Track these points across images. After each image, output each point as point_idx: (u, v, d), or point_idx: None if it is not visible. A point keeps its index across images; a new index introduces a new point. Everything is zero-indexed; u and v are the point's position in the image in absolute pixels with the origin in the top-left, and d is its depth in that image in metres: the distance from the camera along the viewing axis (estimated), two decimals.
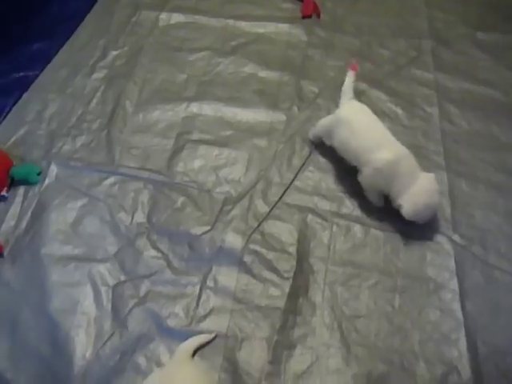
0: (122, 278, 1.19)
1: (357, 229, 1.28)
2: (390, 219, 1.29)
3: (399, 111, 1.52)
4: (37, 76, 1.69)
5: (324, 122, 1.38)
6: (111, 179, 1.37)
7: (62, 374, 1.04)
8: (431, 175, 1.23)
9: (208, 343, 1.07)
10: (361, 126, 1.27)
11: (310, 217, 1.29)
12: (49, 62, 1.73)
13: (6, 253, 1.23)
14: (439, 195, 1.24)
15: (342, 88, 1.35)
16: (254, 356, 1.07)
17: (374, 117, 1.31)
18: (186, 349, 1.01)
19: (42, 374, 1.04)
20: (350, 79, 1.34)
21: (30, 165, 1.40)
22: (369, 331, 1.11)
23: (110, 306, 1.14)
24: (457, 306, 1.16)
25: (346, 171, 1.37)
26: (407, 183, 1.20)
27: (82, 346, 1.07)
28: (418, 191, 1.20)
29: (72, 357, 1.06)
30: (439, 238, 1.25)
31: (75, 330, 1.10)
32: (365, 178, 1.27)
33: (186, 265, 1.21)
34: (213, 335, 1.07)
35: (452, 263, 1.22)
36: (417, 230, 1.26)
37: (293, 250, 1.22)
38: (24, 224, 1.29)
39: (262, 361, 1.05)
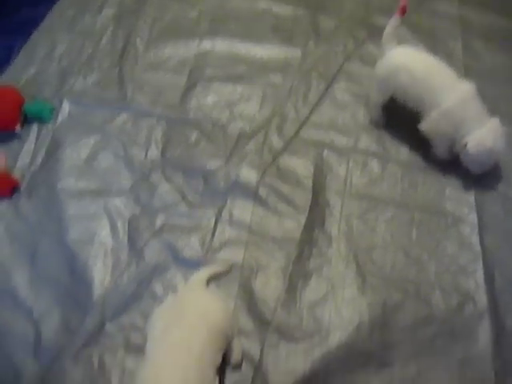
0: (138, 211, 1.19)
1: (374, 163, 1.25)
2: (409, 154, 1.26)
3: (421, 46, 1.45)
4: (45, 16, 1.66)
5: (380, 75, 1.25)
6: (124, 116, 1.35)
7: (82, 300, 1.06)
8: (497, 121, 1.15)
9: (223, 274, 1.08)
10: (422, 71, 1.17)
11: (326, 152, 1.27)
12: (56, 1, 1.69)
13: (22, 188, 1.24)
14: (504, 144, 1.16)
15: (385, 33, 1.22)
16: (269, 285, 1.07)
17: (432, 59, 1.20)
18: (200, 276, 1.02)
19: (63, 301, 1.07)
20: (394, 23, 1.21)
21: (43, 102, 1.38)
22: (385, 262, 1.11)
23: (126, 237, 1.15)
24: (475, 240, 1.14)
25: (363, 106, 1.33)
26: (475, 126, 1.13)
27: (101, 275, 1.09)
28: (486, 134, 1.13)
29: (91, 285, 1.08)
30: (459, 172, 1.23)
31: (93, 260, 1.11)
32: (432, 122, 1.18)
33: (200, 198, 1.20)
34: (228, 263, 1.08)
35: (472, 198, 1.20)
36: (436, 164, 1.24)
37: (308, 183, 1.21)
38: (39, 160, 1.29)
39: (277, 290, 1.06)
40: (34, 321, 1.05)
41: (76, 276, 1.09)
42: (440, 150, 1.22)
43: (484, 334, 1.02)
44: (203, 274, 1.03)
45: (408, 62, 1.19)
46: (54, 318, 1.04)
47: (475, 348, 1.00)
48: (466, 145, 1.14)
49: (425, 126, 1.20)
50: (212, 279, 1.05)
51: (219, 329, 0.88)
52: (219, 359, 0.88)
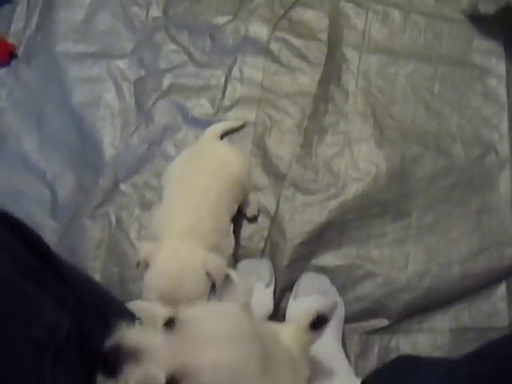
0: (143, 72, 1.12)
1: (395, 14, 1.14)
2: (434, 3, 1.15)
3: None
4: None
5: None
6: None
7: (94, 162, 1.05)
8: None
9: (236, 130, 1.04)
10: None
11: (342, 3, 1.15)
12: None
13: (20, 53, 1.17)
14: None
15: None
16: (283, 141, 1.04)
17: None
18: (213, 130, 0.98)
19: (75, 163, 1.05)
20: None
21: None
22: (404, 116, 1.06)
23: (133, 99, 1.10)
24: (502, 91, 1.07)
25: None
26: None
27: (110, 137, 1.06)
28: None
29: (101, 146, 1.05)
30: (488, 22, 1.12)
31: (101, 122, 1.08)
32: None
33: (208, 57, 1.13)
34: (241, 123, 1.04)
35: (501, 48, 1.11)
36: (464, 14, 1.13)
37: (323, 36, 1.12)
38: (34, 24, 1.19)
39: (292, 145, 1.03)
40: (49, 183, 1.04)
41: (85, 138, 1.07)
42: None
43: (504, 183, 1.00)
44: (216, 127, 1.00)
45: None
46: (68, 179, 1.04)
47: (495, 197, 0.99)
48: None
49: None
50: (225, 134, 1.02)
51: (236, 178, 0.87)
52: (234, 209, 0.88)
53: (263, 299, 0.87)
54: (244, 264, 0.92)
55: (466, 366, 0.45)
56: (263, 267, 0.90)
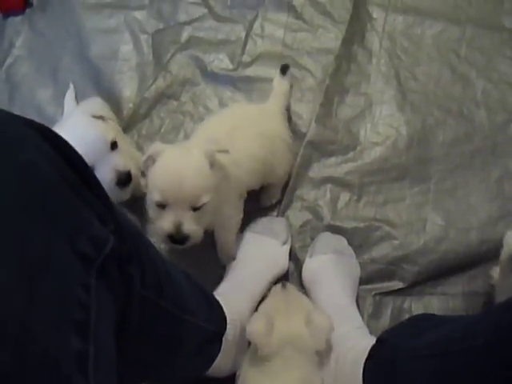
0: (161, 25, 1.09)
1: None
2: None
3: None
4: None
5: None
6: None
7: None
8: None
9: (257, 87, 1.02)
10: None
11: None
12: None
13: (34, 1, 1.14)
14: None
15: None
16: (304, 99, 1.01)
17: None
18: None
19: None
20: None
21: None
22: (428, 79, 1.03)
23: (150, 52, 1.07)
24: None
25: None
26: None
27: (128, 89, 1.04)
28: None
29: (119, 99, 1.03)
30: None
31: (118, 75, 1.06)
32: None
33: (229, 11, 1.09)
34: None
35: None
36: None
37: None
38: None
39: (312, 104, 1.01)
40: None
41: (102, 91, 1.05)
42: None
43: None
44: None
45: None
46: None
47: None
48: None
49: None
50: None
51: (280, 156, 0.88)
52: (255, 186, 0.87)
53: (279, 256, 0.87)
54: (260, 222, 0.91)
55: (491, 317, 0.45)
56: (279, 225, 0.90)
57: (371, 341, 0.67)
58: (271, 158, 0.84)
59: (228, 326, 0.72)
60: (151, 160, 0.71)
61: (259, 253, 0.87)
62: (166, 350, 0.57)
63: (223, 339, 0.71)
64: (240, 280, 0.83)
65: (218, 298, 0.74)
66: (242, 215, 0.86)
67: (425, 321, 0.62)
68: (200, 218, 0.71)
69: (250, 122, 0.84)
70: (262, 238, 0.88)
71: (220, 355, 0.71)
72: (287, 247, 0.88)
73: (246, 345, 0.78)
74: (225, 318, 0.73)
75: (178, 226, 0.68)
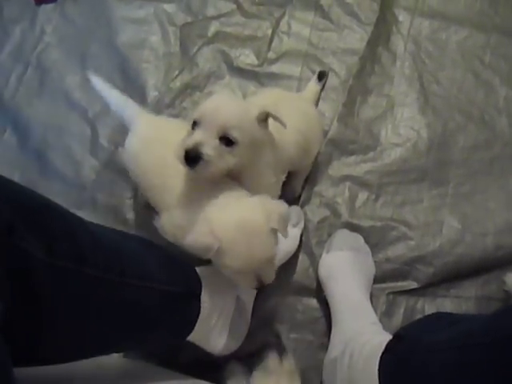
0: (189, 18, 1.11)
1: None
2: None
3: None
4: None
5: None
6: None
7: (136, 102, 1.05)
8: None
9: (280, 84, 1.04)
10: None
11: None
12: None
13: None
14: None
15: None
16: (327, 98, 1.02)
17: None
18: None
19: None
20: None
21: None
22: (451, 84, 1.04)
23: (178, 44, 1.09)
24: None
25: None
26: None
27: (153, 79, 1.06)
28: None
29: (144, 88, 1.05)
30: None
31: (145, 64, 1.08)
32: None
33: (257, 8, 1.11)
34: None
35: None
36: None
37: None
38: None
39: (335, 103, 1.02)
40: (90, 121, 1.05)
41: (128, 79, 1.07)
42: None
43: None
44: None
45: None
46: (109, 119, 1.04)
47: None
48: None
49: None
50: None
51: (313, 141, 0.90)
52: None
53: (289, 237, 0.87)
54: None
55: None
56: (291, 209, 0.89)
57: (386, 336, 0.68)
58: (309, 137, 0.85)
59: (214, 289, 0.73)
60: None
61: None
62: (109, 314, 0.57)
63: (205, 298, 0.72)
64: None
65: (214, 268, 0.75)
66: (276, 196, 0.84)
67: (442, 318, 0.63)
68: (223, 152, 0.68)
69: (291, 100, 0.87)
70: None
71: (204, 321, 0.71)
72: (298, 230, 0.89)
73: (245, 326, 0.81)
74: (196, 279, 0.74)
75: (197, 145, 0.67)
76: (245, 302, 0.81)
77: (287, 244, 0.86)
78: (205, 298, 0.73)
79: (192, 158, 0.67)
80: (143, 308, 0.63)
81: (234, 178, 0.75)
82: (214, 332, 0.74)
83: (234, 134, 0.68)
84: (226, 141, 0.68)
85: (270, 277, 0.69)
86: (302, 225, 0.91)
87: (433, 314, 0.73)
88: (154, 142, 0.79)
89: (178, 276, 0.71)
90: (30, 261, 0.46)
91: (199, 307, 0.73)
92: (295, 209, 0.92)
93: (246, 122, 0.70)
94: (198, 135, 0.68)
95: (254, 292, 0.84)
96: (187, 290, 0.72)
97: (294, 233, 0.89)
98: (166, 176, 0.75)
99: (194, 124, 0.69)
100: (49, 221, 0.51)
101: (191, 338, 0.74)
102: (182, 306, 0.70)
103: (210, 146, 0.67)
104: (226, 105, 0.70)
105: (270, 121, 0.74)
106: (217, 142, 0.68)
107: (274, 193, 0.82)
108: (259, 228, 0.65)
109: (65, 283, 0.50)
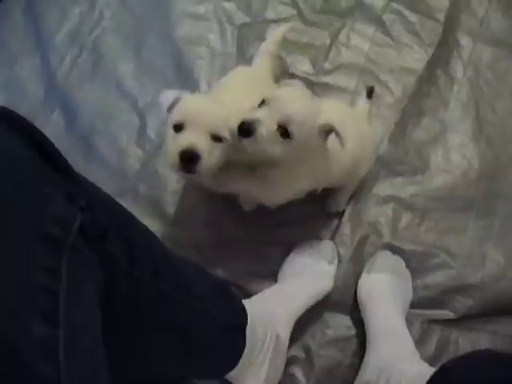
0: (248, 19, 1.10)
1: None
2: None
3: None
4: None
5: None
6: None
7: None
8: None
9: (334, 95, 1.03)
10: None
11: None
12: None
13: None
14: None
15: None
16: (380, 115, 1.01)
17: None
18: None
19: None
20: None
21: None
22: (508, 115, 1.02)
23: (235, 44, 1.08)
24: None
25: None
26: None
27: (206, 74, 1.06)
28: None
29: (196, 84, 1.05)
30: None
31: (199, 60, 1.07)
32: None
33: (317, 16, 1.10)
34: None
35: None
36: None
37: (441, 17, 1.07)
38: None
39: (388, 122, 1.00)
40: (139, 111, 1.05)
41: (181, 73, 1.07)
42: None
43: None
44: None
45: None
46: (159, 111, 1.04)
47: None
48: None
49: None
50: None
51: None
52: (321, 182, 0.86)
53: (324, 274, 0.87)
54: (308, 243, 0.90)
55: None
56: (326, 246, 0.90)
57: (425, 366, 0.67)
58: (359, 159, 0.84)
59: (257, 324, 0.72)
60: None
61: (304, 269, 0.87)
62: (172, 334, 0.57)
63: (248, 333, 0.70)
64: (281, 290, 0.84)
65: (254, 301, 0.75)
66: (289, 198, 0.81)
67: (493, 357, 0.61)
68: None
69: (351, 117, 0.85)
70: (310, 255, 0.89)
71: (246, 357, 0.69)
72: (333, 267, 0.88)
73: (281, 361, 0.79)
74: (244, 310, 0.72)
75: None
76: (282, 337, 0.79)
77: (322, 284, 0.86)
78: (248, 332, 0.71)
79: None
80: (203, 332, 0.62)
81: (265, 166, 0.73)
82: (252, 369, 0.72)
83: (292, 128, 0.66)
84: (283, 131, 0.67)
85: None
86: (336, 261, 0.90)
87: (481, 350, 0.71)
88: None
89: (231, 306, 0.70)
90: (114, 267, 0.47)
91: (245, 341, 0.70)
92: (330, 245, 0.91)
93: (307, 123, 0.68)
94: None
95: (291, 327, 0.82)
96: (239, 321, 0.70)
97: (330, 271, 0.88)
98: None
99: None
100: (133, 232, 0.52)
101: (230, 374, 0.72)
102: (232, 338, 0.69)
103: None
104: (298, 97, 0.69)
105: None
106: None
107: (283, 197, 0.80)
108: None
109: (138, 293, 0.50)
